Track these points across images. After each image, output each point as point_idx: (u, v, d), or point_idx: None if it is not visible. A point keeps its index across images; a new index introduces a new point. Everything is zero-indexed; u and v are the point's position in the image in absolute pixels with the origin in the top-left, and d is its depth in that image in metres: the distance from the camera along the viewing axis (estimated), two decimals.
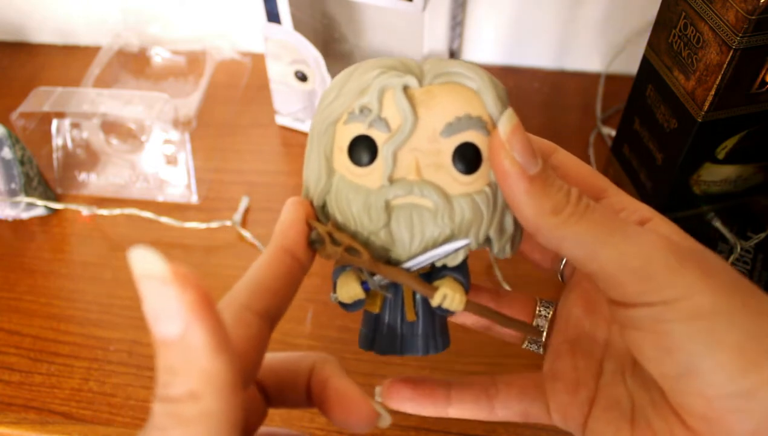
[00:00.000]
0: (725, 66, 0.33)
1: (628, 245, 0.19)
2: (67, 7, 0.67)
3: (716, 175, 0.40)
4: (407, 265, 0.22)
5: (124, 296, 0.48)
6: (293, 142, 0.60)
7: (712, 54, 0.33)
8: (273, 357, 0.23)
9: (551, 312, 0.28)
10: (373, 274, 0.22)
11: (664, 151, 0.39)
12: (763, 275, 0.44)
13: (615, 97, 0.62)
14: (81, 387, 0.43)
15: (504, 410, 0.26)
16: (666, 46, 0.37)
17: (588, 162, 0.56)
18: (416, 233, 0.22)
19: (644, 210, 0.23)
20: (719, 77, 0.33)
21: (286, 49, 0.53)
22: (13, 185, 0.51)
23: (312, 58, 0.53)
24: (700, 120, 0.35)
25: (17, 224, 0.53)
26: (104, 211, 0.52)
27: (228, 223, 0.52)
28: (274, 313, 0.20)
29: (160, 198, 0.55)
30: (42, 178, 0.53)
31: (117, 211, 0.52)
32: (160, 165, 0.55)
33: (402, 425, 0.41)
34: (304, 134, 0.60)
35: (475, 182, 0.22)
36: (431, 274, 0.23)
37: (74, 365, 0.44)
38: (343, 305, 0.24)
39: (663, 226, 0.22)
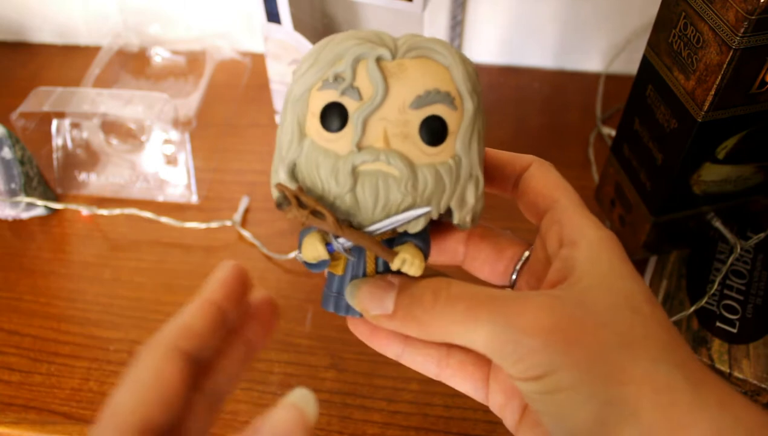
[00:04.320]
0: (725, 66, 0.33)
1: (496, 334, 0.21)
2: (67, 7, 0.67)
3: (716, 175, 0.40)
4: (370, 229, 0.23)
5: (124, 296, 0.48)
6: None
7: (712, 54, 0.33)
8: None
9: None
10: (337, 236, 0.23)
11: (664, 151, 0.39)
12: (763, 274, 0.44)
13: (615, 97, 0.62)
14: (81, 387, 0.43)
15: (449, 379, 0.27)
16: (666, 46, 0.37)
17: (588, 162, 0.56)
18: (380, 199, 0.23)
19: (577, 231, 0.23)
20: (719, 77, 0.33)
21: (286, 49, 0.53)
22: (13, 185, 0.51)
23: None
24: (700, 120, 0.35)
25: (17, 224, 0.53)
26: (104, 211, 0.52)
27: (228, 223, 0.52)
28: (197, 354, 0.21)
29: (160, 198, 0.55)
30: (42, 178, 0.53)
31: (117, 211, 0.52)
32: (160, 165, 0.55)
33: (402, 425, 0.41)
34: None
35: (440, 154, 0.23)
36: (393, 239, 0.24)
37: (74, 365, 0.44)
38: (307, 264, 0.25)
39: (589, 253, 0.22)
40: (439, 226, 0.27)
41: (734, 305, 0.42)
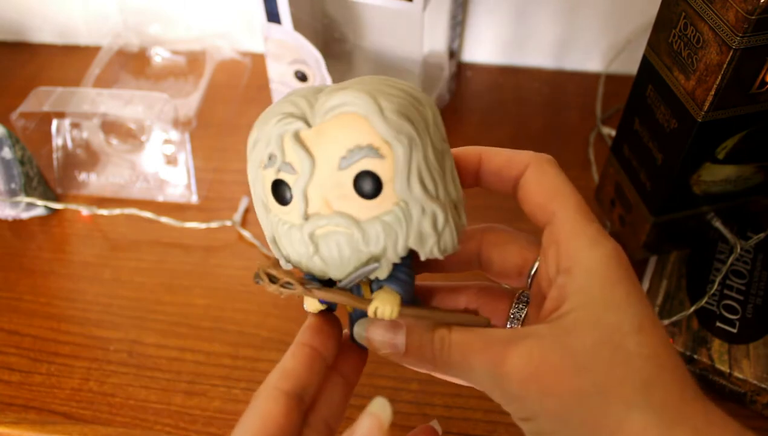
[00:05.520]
0: (725, 66, 0.33)
1: (487, 380, 0.22)
2: (67, 7, 0.68)
3: (716, 175, 0.40)
4: (342, 283, 0.25)
5: (124, 296, 0.48)
6: None
7: (712, 54, 0.33)
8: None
9: (525, 311, 0.29)
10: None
11: (664, 151, 0.39)
12: (763, 274, 0.44)
13: (615, 97, 0.62)
14: (81, 387, 0.43)
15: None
16: (666, 46, 0.37)
17: (588, 162, 0.56)
18: (344, 256, 0.24)
19: (571, 256, 0.23)
20: (719, 77, 0.33)
21: (286, 49, 0.53)
22: (13, 185, 0.51)
23: (312, 58, 0.53)
24: (700, 120, 0.35)
25: (17, 224, 0.53)
26: (104, 211, 0.52)
27: (228, 223, 0.52)
28: (299, 392, 0.24)
29: (160, 198, 0.55)
30: (42, 178, 0.53)
31: (117, 211, 0.52)
32: (160, 165, 0.55)
33: (402, 425, 0.41)
34: None
35: (381, 204, 0.23)
36: (372, 283, 0.25)
37: (74, 365, 0.44)
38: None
39: (581, 282, 0.22)
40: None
41: (734, 305, 0.42)
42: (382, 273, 0.24)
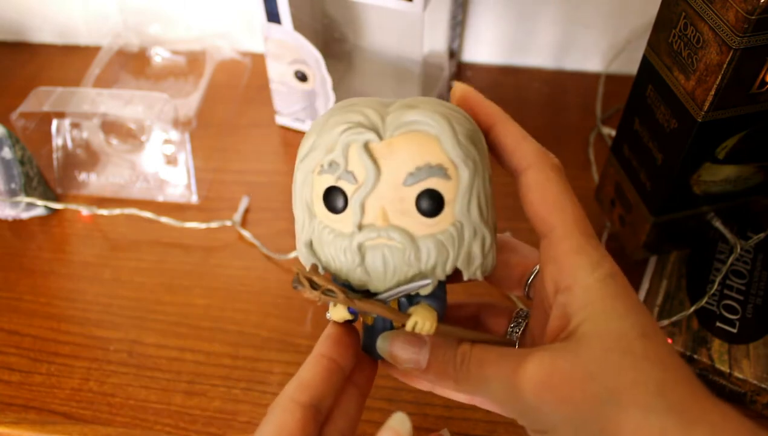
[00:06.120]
0: (725, 66, 0.32)
1: (502, 392, 0.23)
2: (67, 7, 0.68)
3: (716, 175, 0.40)
4: (382, 296, 0.25)
5: (124, 296, 0.48)
6: (293, 142, 0.60)
7: (712, 54, 0.33)
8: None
9: (523, 327, 0.29)
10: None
11: (664, 151, 0.39)
12: (763, 274, 0.44)
13: (615, 97, 0.62)
14: (81, 387, 0.43)
15: (481, 404, 0.29)
16: (666, 46, 0.37)
17: (588, 162, 0.56)
18: (389, 269, 0.24)
19: (571, 274, 0.23)
20: (719, 77, 0.33)
21: (286, 49, 0.53)
22: (13, 185, 0.51)
23: (312, 58, 0.53)
24: (700, 120, 0.35)
25: (17, 224, 0.53)
26: (104, 211, 0.52)
27: (228, 223, 0.52)
28: (316, 404, 0.24)
29: (160, 198, 0.55)
30: (42, 178, 0.53)
31: (117, 211, 0.52)
32: (160, 165, 0.55)
33: None
34: (304, 134, 0.60)
35: (439, 223, 0.24)
36: (410, 298, 0.25)
37: (74, 365, 0.44)
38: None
39: (583, 298, 0.23)
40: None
41: (734, 305, 0.42)
42: (428, 290, 0.25)
